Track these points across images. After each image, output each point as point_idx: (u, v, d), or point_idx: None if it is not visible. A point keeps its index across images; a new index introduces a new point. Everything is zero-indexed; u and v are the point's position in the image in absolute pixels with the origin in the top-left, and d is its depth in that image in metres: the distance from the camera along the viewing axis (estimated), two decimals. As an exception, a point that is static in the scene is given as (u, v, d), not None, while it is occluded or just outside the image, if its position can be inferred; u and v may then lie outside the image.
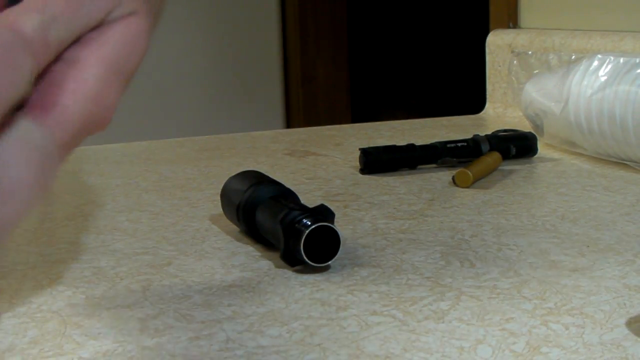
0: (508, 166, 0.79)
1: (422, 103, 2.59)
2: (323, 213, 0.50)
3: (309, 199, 0.68)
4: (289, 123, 2.36)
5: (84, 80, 0.33)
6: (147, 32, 0.35)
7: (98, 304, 0.45)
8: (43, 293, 0.47)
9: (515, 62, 0.97)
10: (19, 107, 0.31)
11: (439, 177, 0.75)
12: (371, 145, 0.82)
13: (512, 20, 1.17)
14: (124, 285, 0.48)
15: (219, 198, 0.60)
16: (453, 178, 0.72)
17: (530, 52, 0.97)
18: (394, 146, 0.79)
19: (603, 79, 0.77)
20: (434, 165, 0.79)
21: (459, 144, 0.80)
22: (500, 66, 1.15)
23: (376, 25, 2.62)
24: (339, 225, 0.58)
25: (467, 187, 0.71)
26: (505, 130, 0.89)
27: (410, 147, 0.79)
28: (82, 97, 0.33)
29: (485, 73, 1.19)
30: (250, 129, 1.25)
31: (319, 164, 0.83)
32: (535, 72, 0.93)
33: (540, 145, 0.84)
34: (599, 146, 0.79)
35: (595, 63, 0.79)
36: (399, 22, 2.61)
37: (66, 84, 0.32)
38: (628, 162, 0.76)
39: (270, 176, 0.58)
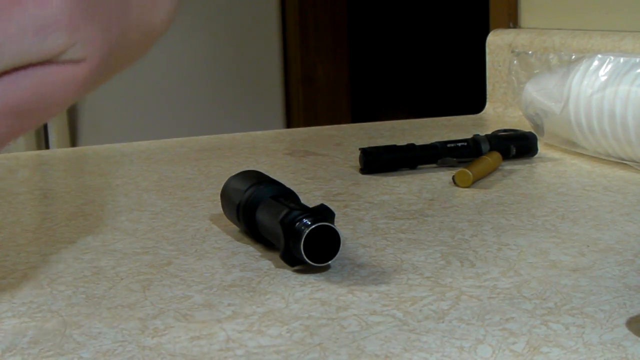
0: (508, 166, 0.79)
1: (422, 103, 2.59)
2: (323, 213, 0.50)
3: (309, 199, 0.68)
4: (289, 123, 2.36)
5: None
6: (80, 82, 0.33)
7: (98, 304, 0.45)
8: (43, 293, 0.47)
9: (515, 62, 0.97)
10: None
11: (439, 177, 0.75)
12: (371, 145, 0.82)
13: (512, 20, 1.17)
14: (124, 285, 0.48)
15: (219, 198, 0.60)
16: (453, 178, 0.72)
17: (530, 52, 0.97)
18: (394, 146, 0.79)
19: (603, 78, 0.77)
20: (434, 165, 0.79)
21: (459, 144, 0.80)
22: (500, 66, 1.15)
23: (376, 25, 2.62)
24: (339, 225, 0.58)
25: (467, 187, 0.71)
26: (505, 130, 0.89)
27: (410, 147, 0.79)
28: None
29: (485, 73, 1.19)
30: (250, 129, 1.25)
31: (319, 164, 0.83)
32: (535, 72, 0.93)
33: (540, 145, 0.84)
34: (599, 146, 0.79)
35: (595, 63, 0.79)
36: (399, 22, 2.61)
37: None
38: (628, 162, 0.76)
39: (271, 176, 0.58)
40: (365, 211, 0.64)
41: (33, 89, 0.32)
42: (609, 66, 0.78)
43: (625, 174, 0.74)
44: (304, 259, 0.48)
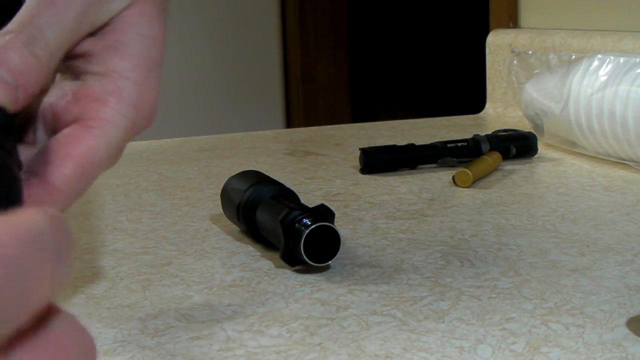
0: (508, 166, 0.79)
1: (422, 103, 2.59)
2: (323, 213, 0.50)
3: (309, 199, 0.68)
4: (289, 123, 2.36)
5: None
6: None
7: (98, 304, 0.45)
8: (43, 293, 0.47)
9: (515, 62, 0.97)
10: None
11: (439, 177, 0.75)
12: (371, 145, 0.82)
13: (512, 20, 1.17)
14: (124, 285, 0.48)
15: (219, 198, 0.60)
16: (453, 178, 0.72)
17: (530, 52, 0.97)
18: (394, 146, 0.79)
19: (603, 78, 0.77)
20: (434, 165, 0.79)
21: (459, 144, 0.80)
22: (500, 66, 1.15)
23: (376, 24, 2.62)
24: (339, 225, 0.58)
25: (467, 187, 0.71)
26: (505, 130, 0.89)
27: (410, 147, 0.79)
28: (123, 106, 0.34)
29: (485, 73, 1.19)
30: (250, 128, 1.25)
31: (319, 164, 0.83)
32: (535, 72, 0.93)
33: (540, 145, 0.84)
34: (599, 146, 0.79)
35: (595, 63, 0.79)
36: (399, 21, 2.61)
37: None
38: (628, 162, 0.76)
39: (270, 176, 0.58)
40: (365, 211, 0.64)
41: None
42: (609, 66, 0.78)
43: (625, 174, 0.74)
44: (304, 259, 0.48)
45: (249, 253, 0.54)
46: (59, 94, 0.34)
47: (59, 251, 0.21)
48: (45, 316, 0.21)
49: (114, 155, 0.35)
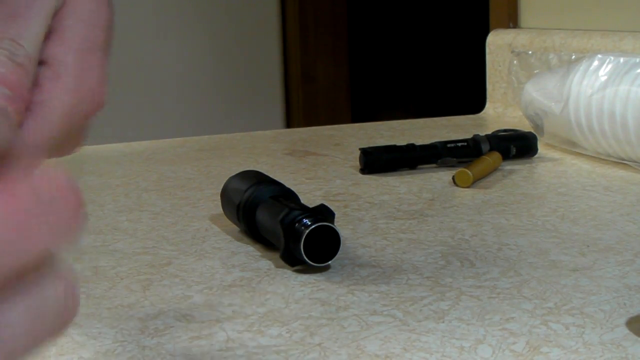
0: (508, 166, 0.79)
1: (422, 103, 2.59)
2: (323, 213, 0.50)
3: (309, 199, 0.68)
4: (289, 123, 2.36)
5: (57, 74, 0.33)
6: None
7: (98, 304, 0.45)
8: (43, 293, 0.47)
9: (515, 62, 0.97)
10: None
11: (439, 177, 0.75)
12: (371, 145, 0.82)
13: (512, 20, 1.17)
14: (124, 285, 0.48)
15: (219, 198, 0.60)
16: (453, 178, 0.72)
17: (530, 52, 0.97)
18: (394, 146, 0.79)
19: (603, 78, 0.77)
20: (434, 165, 0.79)
21: (459, 144, 0.80)
22: (500, 66, 1.15)
23: (376, 24, 2.62)
24: (339, 225, 0.58)
25: (467, 187, 0.71)
26: (505, 130, 0.89)
27: (410, 147, 0.79)
28: (60, 90, 0.33)
29: (485, 73, 1.19)
30: (250, 129, 1.25)
31: (319, 164, 0.83)
32: (535, 72, 0.93)
33: (540, 145, 0.84)
34: (599, 146, 0.79)
35: (595, 63, 0.79)
36: (399, 21, 2.61)
37: (41, 85, 0.33)
38: (628, 162, 0.76)
39: (270, 176, 0.58)
40: (365, 211, 0.64)
41: (83, 20, 0.34)
42: (609, 66, 0.78)
43: (625, 174, 0.74)
44: (304, 259, 0.48)
45: (249, 253, 0.54)
46: None
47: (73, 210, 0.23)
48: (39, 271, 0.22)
49: (58, 137, 0.34)
